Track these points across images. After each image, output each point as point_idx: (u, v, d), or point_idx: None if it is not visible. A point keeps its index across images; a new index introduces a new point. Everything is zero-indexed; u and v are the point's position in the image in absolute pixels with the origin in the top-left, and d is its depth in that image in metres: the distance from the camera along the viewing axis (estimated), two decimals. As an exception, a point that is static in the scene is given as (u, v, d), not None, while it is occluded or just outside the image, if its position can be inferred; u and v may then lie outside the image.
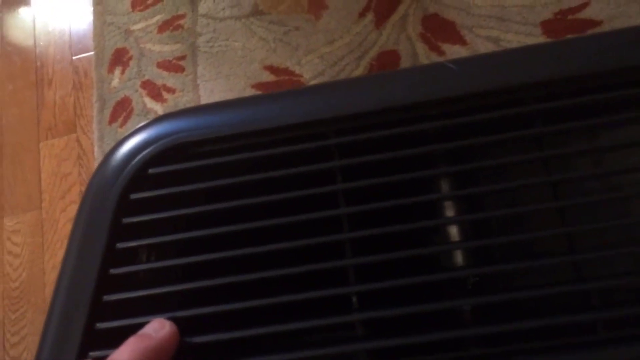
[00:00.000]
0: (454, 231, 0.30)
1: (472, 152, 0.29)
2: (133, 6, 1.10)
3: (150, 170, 0.29)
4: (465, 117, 0.28)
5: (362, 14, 0.96)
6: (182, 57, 1.04)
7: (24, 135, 1.10)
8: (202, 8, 1.06)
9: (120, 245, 0.28)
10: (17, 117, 1.12)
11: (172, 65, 1.04)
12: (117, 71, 1.06)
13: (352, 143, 0.29)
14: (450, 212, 0.30)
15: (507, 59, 0.30)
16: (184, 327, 0.26)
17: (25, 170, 1.08)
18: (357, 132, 0.29)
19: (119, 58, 1.07)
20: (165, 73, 1.04)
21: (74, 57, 1.12)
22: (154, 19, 1.08)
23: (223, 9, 1.04)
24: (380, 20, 0.94)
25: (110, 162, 0.30)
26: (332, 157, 0.29)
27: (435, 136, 0.29)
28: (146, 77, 1.05)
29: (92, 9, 1.13)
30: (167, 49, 1.05)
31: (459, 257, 0.29)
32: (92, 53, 1.10)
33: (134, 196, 0.29)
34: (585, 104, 0.28)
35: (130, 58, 1.06)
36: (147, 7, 1.09)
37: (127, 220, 0.28)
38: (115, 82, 1.06)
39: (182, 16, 1.06)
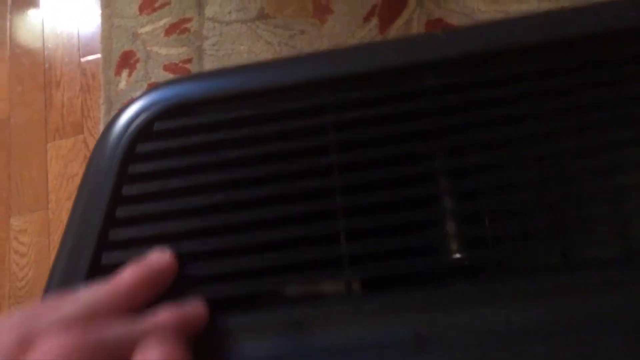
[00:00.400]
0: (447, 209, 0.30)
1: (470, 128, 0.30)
2: (141, 9, 1.11)
3: (156, 126, 0.31)
4: (468, 93, 0.29)
5: (366, 19, 0.97)
6: (189, 60, 1.05)
7: (32, 136, 1.11)
8: (209, 11, 1.07)
9: (126, 191, 0.29)
10: (25, 119, 1.13)
11: (178, 68, 1.05)
12: (125, 74, 1.07)
13: (349, 104, 0.30)
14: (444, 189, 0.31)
15: (497, 26, 0.31)
16: (183, 261, 0.27)
17: (33, 170, 1.09)
18: (353, 93, 0.30)
19: (126, 61, 1.08)
20: (171, 76, 1.05)
21: (81, 60, 1.13)
22: (161, 22, 1.09)
23: (229, 13, 1.05)
24: (385, 24, 0.95)
25: (118, 121, 0.32)
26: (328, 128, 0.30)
27: (433, 113, 0.29)
28: (153, 80, 1.06)
29: (100, 12, 1.14)
30: (173, 52, 1.06)
31: (454, 245, 0.29)
32: (99, 55, 1.11)
33: (140, 148, 0.30)
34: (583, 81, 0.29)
35: (137, 61, 1.07)
36: (154, 10, 1.10)
37: (133, 168, 0.29)
38: (123, 84, 1.07)
39: (189, 19, 1.08)
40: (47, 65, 1.15)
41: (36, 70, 1.16)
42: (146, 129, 0.31)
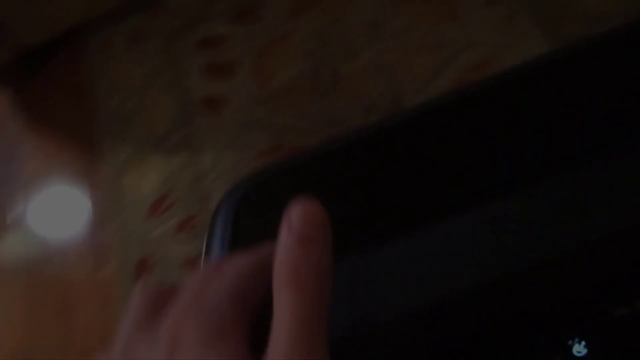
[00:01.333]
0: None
1: None
2: (148, 215, 1.15)
3: (252, 196, 0.36)
4: None
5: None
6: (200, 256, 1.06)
7: None
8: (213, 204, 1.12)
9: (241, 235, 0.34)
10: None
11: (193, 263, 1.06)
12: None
13: None
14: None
15: None
16: None
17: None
18: None
19: (143, 267, 1.09)
20: (187, 273, 1.05)
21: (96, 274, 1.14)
22: (170, 222, 1.12)
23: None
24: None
25: (220, 201, 0.38)
26: None
27: None
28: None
29: (108, 225, 1.17)
30: (185, 249, 1.08)
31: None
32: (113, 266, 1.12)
33: (244, 209, 0.36)
34: None
35: (153, 265, 1.08)
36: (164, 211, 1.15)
37: (243, 220, 0.34)
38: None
39: (194, 217, 1.11)
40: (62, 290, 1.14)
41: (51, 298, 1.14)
42: (245, 196, 0.36)
